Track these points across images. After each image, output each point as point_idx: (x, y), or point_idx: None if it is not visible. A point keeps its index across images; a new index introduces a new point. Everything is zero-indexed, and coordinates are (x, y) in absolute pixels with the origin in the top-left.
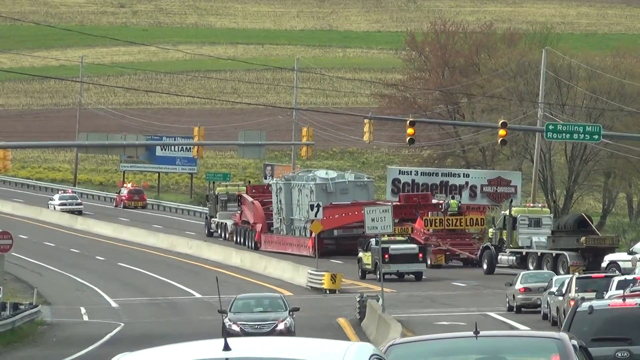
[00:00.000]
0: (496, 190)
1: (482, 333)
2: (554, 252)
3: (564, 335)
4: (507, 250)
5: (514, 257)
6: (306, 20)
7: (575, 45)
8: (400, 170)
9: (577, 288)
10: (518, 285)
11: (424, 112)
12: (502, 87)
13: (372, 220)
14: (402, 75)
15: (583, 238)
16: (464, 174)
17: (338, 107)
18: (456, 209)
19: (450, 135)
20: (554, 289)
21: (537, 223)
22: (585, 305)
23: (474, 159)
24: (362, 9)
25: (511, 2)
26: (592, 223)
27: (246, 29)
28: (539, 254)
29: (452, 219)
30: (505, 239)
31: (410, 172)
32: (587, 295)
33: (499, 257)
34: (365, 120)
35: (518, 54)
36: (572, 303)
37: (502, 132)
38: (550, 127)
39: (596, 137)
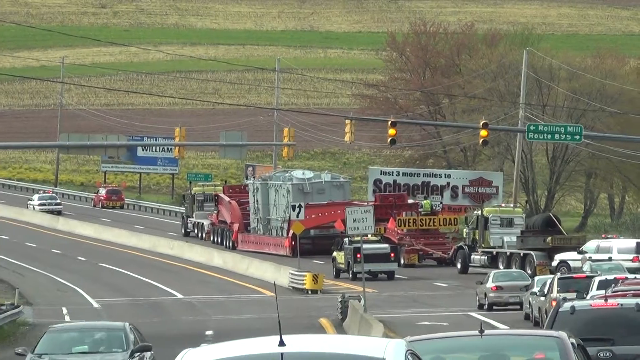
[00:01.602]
0: (477, 191)
1: (486, 332)
2: (522, 252)
3: (563, 334)
4: (479, 250)
5: (486, 257)
6: (287, 20)
7: (556, 45)
8: (381, 171)
9: (558, 288)
10: (490, 284)
11: (405, 113)
12: (483, 87)
13: (354, 220)
14: (383, 76)
15: (549, 238)
16: (445, 174)
17: (319, 108)
18: (429, 209)
19: (432, 136)
20: (535, 289)
21: (509, 223)
22: (567, 305)
23: (455, 159)
24: (343, 10)
25: (492, 3)
26: (560, 223)
27: (227, 29)
28: (508, 253)
29: (425, 219)
30: (478, 238)
31: (392, 172)
32: (568, 295)
33: (472, 256)
34: (347, 121)
35: (499, 55)
36: (553, 303)
37: (483, 132)
38: (532, 127)
39: (577, 137)
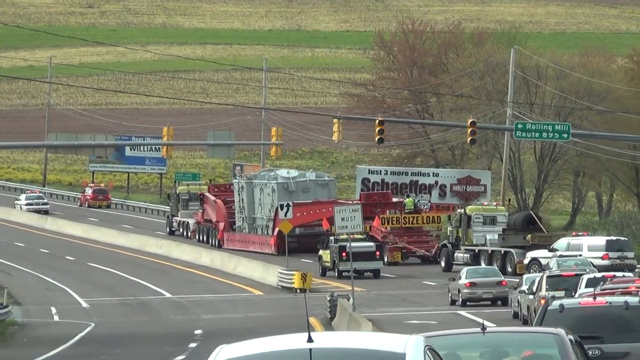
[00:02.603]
0: (466, 189)
1: (488, 329)
2: (503, 250)
3: (561, 331)
4: (462, 248)
5: (468, 255)
6: (274, 20)
7: (543, 44)
8: (369, 170)
9: (547, 286)
10: (463, 280)
11: (393, 112)
12: (471, 86)
13: (342, 219)
14: (371, 75)
15: (529, 236)
16: (433, 173)
17: (307, 107)
18: (412, 207)
19: (420, 135)
20: (524, 287)
21: (492, 221)
22: (555, 303)
23: (443, 158)
24: (331, 9)
25: (479, 2)
26: (541, 221)
27: (214, 29)
28: (489, 251)
29: (408, 217)
30: (461, 236)
31: (380, 171)
32: (557, 293)
33: (455, 254)
34: (334, 120)
35: (486, 53)
36: (542, 301)
37: (471, 131)
38: (520, 126)
39: (565, 135)
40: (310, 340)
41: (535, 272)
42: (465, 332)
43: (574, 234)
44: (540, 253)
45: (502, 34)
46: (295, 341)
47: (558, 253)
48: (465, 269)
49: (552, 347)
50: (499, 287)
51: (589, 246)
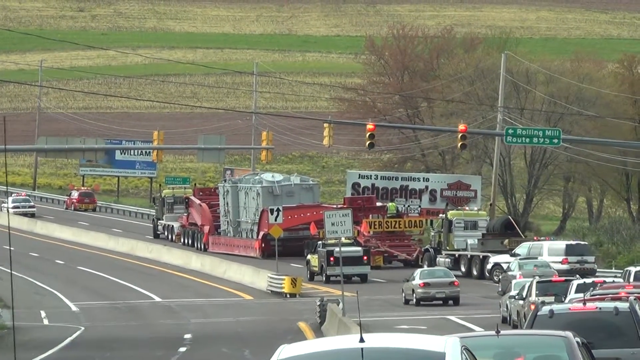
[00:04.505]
0: (456, 195)
1: (502, 332)
2: (482, 254)
3: (569, 334)
4: (444, 253)
5: (449, 259)
6: (265, 24)
7: (534, 49)
8: (360, 175)
9: (537, 292)
10: (417, 281)
11: (384, 116)
12: (461, 91)
13: (332, 224)
14: (362, 80)
15: (506, 240)
16: (423, 178)
17: (298, 111)
18: (394, 211)
19: (410, 140)
20: (514, 292)
21: (473, 226)
22: (545, 309)
23: (433, 163)
24: (322, 14)
25: (471, 7)
26: (519, 226)
27: (205, 33)
28: (469, 256)
29: (391, 221)
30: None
31: (370, 176)
32: (547, 299)
33: (437, 259)
34: (325, 125)
35: (476, 59)
36: (532, 307)
37: (462, 136)
38: (510, 131)
39: (556, 141)
40: (362, 340)
41: (498, 276)
42: (480, 334)
43: (535, 238)
44: (502, 258)
45: (493, 39)
46: (349, 341)
47: (519, 257)
48: (418, 270)
49: (561, 349)
50: (451, 287)
51: (549, 250)
